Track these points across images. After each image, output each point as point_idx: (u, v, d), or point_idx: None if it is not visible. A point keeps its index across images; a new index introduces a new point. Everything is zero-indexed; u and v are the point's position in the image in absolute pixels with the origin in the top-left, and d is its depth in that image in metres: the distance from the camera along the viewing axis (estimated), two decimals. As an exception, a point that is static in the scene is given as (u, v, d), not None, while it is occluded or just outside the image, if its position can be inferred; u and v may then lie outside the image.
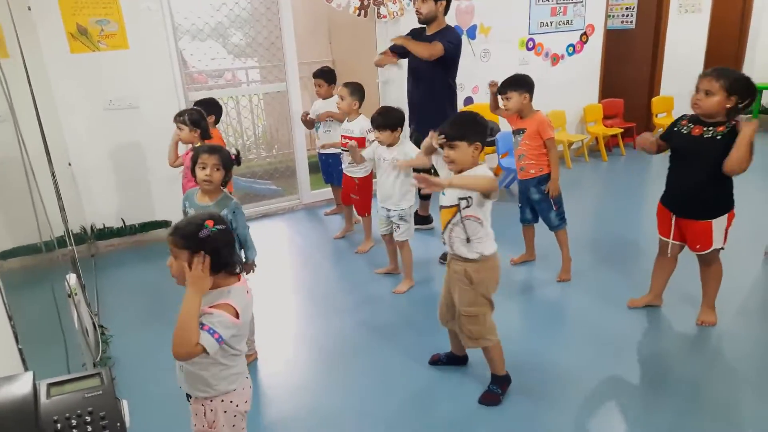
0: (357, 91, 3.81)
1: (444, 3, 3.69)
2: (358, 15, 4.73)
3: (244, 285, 1.66)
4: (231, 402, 1.69)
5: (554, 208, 3.35)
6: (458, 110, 3.98)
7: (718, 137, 2.47)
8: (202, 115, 3.13)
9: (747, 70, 7.17)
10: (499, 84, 3.33)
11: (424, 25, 3.79)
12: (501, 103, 3.34)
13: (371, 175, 3.89)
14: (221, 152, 2.43)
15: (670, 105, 6.57)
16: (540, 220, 3.49)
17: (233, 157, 2.48)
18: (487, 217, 2.22)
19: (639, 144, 2.82)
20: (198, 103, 3.68)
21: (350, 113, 3.82)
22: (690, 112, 2.61)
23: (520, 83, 3.25)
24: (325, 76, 4.35)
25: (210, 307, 1.55)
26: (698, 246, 2.70)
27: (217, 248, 1.55)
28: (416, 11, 3.75)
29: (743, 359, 2.63)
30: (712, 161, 2.49)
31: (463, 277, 2.25)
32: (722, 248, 2.70)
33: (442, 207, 2.28)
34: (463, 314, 2.29)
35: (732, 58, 7.14)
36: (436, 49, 3.63)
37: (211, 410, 1.67)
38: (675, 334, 2.82)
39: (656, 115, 6.50)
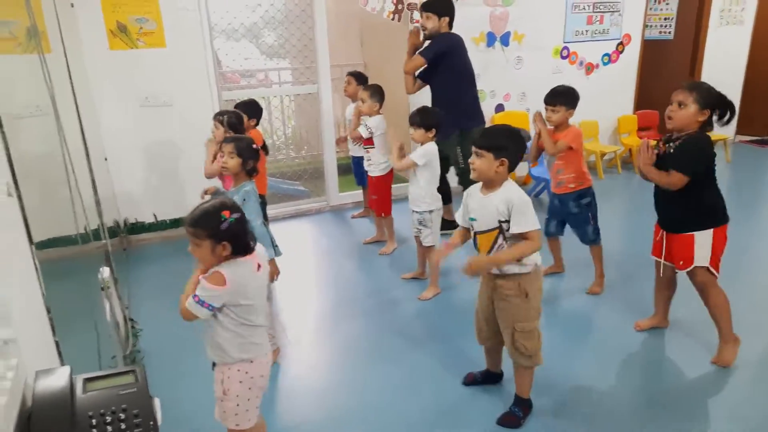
0: (377, 93, 3.86)
1: (447, 19, 3.82)
2: (392, 19, 4.73)
3: (252, 259, 1.75)
4: (246, 373, 1.77)
5: (591, 223, 3.27)
6: (476, 113, 4.00)
7: (672, 150, 2.45)
8: (240, 120, 3.16)
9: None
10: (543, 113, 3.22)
11: (430, 40, 3.89)
12: (544, 114, 3.22)
13: (390, 175, 3.91)
14: (239, 141, 2.54)
15: (707, 118, 6.41)
16: (564, 232, 3.44)
17: (254, 146, 2.54)
18: None
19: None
20: (240, 104, 3.64)
21: (372, 115, 3.85)
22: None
23: (571, 98, 3.15)
24: (357, 75, 4.40)
25: (203, 276, 1.70)
26: (681, 262, 2.58)
27: (237, 235, 1.68)
28: (421, 27, 3.89)
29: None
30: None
31: (518, 293, 2.15)
32: (711, 271, 2.53)
33: (478, 233, 2.19)
34: (519, 331, 2.19)
35: (774, 73, 6.94)
36: (411, 64, 3.89)
37: (228, 377, 1.76)
38: (702, 356, 2.72)
39: (692, 129, 6.34)
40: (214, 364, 1.82)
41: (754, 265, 3.74)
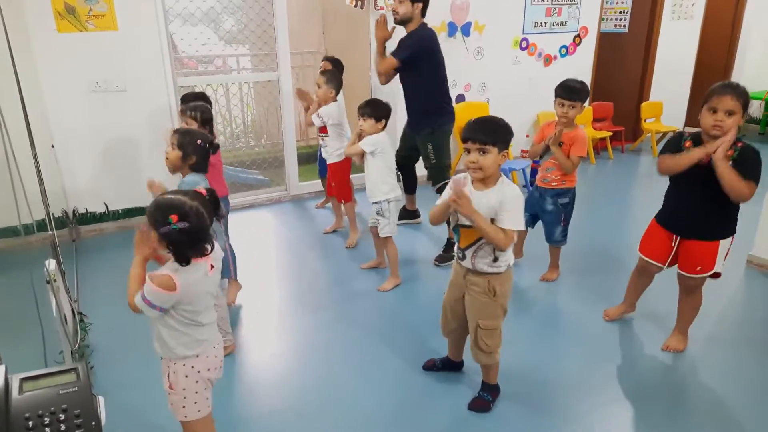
0: (333, 79, 3.82)
1: (420, 5, 3.63)
2: (355, 6, 4.68)
3: (206, 261, 1.70)
4: (192, 368, 1.75)
5: (561, 224, 3.30)
6: (448, 111, 3.85)
7: (729, 162, 2.26)
8: (211, 115, 3.10)
9: (735, 78, 7.26)
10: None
11: (401, 25, 3.71)
12: (558, 110, 3.09)
13: (346, 162, 3.90)
14: (184, 133, 2.45)
15: (659, 110, 6.62)
16: (534, 227, 3.49)
17: (199, 142, 2.41)
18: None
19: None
20: (193, 108, 3.54)
21: (327, 101, 3.82)
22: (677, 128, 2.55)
23: (587, 93, 3.07)
24: (334, 62, 4.30)
25: (151, 274, 1.63)
26: (699, 268, 2.52)
27: (175, 244, 1.62)
28: (393, 11, 3.70)
29: (730, 364, 2.67)
30: (713, 185, 2.33)
31: (486, 290, 2.16)
32: (719, 275, 2.58)
33: (463, 226, 2.13)
34: (482, 328, 2.20)
35: (721, 67, 7.21)
36: (384, 65, 3.70)
37: (174, 372, 1.74)
38: (659, 341, 2.83)
39: (645, 120, 6.55)
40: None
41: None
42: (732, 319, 3.11)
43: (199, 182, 2.39)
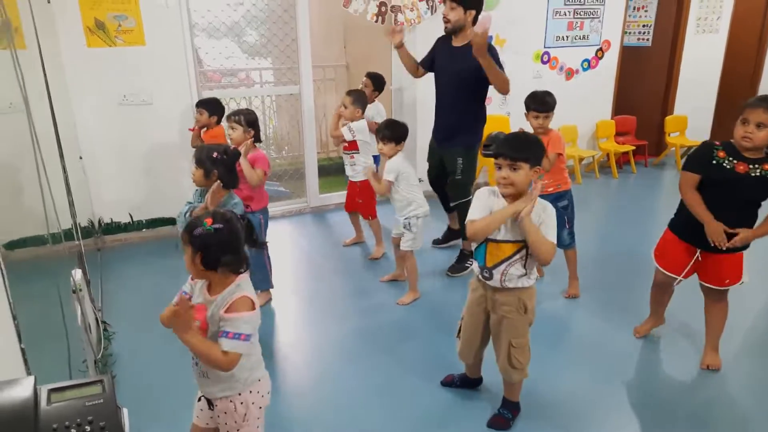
0: (359, 100, 3.84)
1: (473, 12, 3.44)
2: (376, 21, 4.72)
3: (247, 275, 1.68)
4: (258, 393, 1.72)
5: (567, 227, 3.31)
6: (482, 127, 3.72)
7: (758, 173, 2.33)
8: (256, 117, 3.15)
9: (762, 92, 7.14)
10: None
11: (450, 35, 3.55)
12: (533, 122, 3.16)
13: None
14: (199, 150, 2.50)
15: (683, 124, 6.54)
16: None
17: (215, 155, 2.45)
18: None
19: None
20: (203, 102, 3.83)
21: (354, 121, 3.84)
22: (708, 138, 2.55)
23: (555, 102, 3.18)
24: (375, 78, 4.34)
25: (227, 310, 1.56)
26: (727, 281, 2.55)
27: (207, 246, 1.55)
28: (443, 17, 3.51)
29: (751, 390, 2.60)
30: (756, 198, 2.41)
31: (518, 308, 2.13)
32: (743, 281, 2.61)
33: (497, 241, 2.06)
34: (515, 346, 2.17)
35: (748, 81, 7.09)
36: (505, 81, 3.41)
37: (242, 403, 1.68)
38: (681, 360, 2.78)
39: (669, 134, 6.46)
40: (210, 403, 1.72)
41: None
42: (762, 332, 3.04)
43: (237, 201, 2.42)
